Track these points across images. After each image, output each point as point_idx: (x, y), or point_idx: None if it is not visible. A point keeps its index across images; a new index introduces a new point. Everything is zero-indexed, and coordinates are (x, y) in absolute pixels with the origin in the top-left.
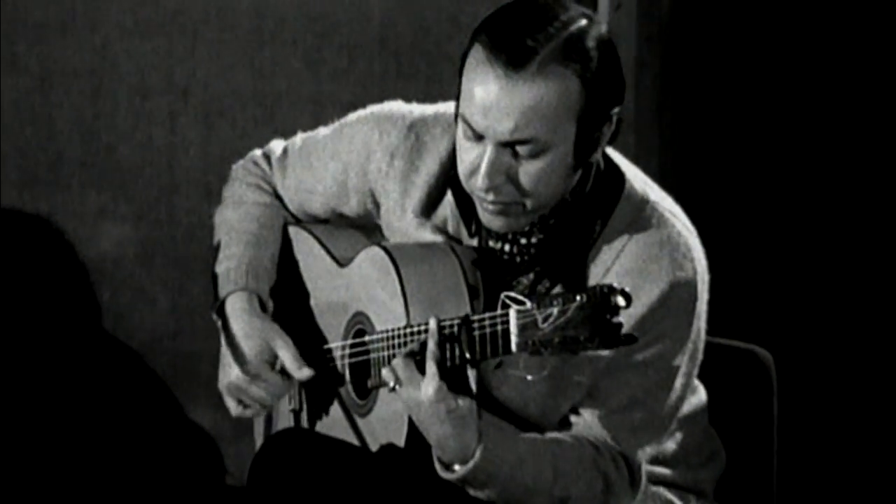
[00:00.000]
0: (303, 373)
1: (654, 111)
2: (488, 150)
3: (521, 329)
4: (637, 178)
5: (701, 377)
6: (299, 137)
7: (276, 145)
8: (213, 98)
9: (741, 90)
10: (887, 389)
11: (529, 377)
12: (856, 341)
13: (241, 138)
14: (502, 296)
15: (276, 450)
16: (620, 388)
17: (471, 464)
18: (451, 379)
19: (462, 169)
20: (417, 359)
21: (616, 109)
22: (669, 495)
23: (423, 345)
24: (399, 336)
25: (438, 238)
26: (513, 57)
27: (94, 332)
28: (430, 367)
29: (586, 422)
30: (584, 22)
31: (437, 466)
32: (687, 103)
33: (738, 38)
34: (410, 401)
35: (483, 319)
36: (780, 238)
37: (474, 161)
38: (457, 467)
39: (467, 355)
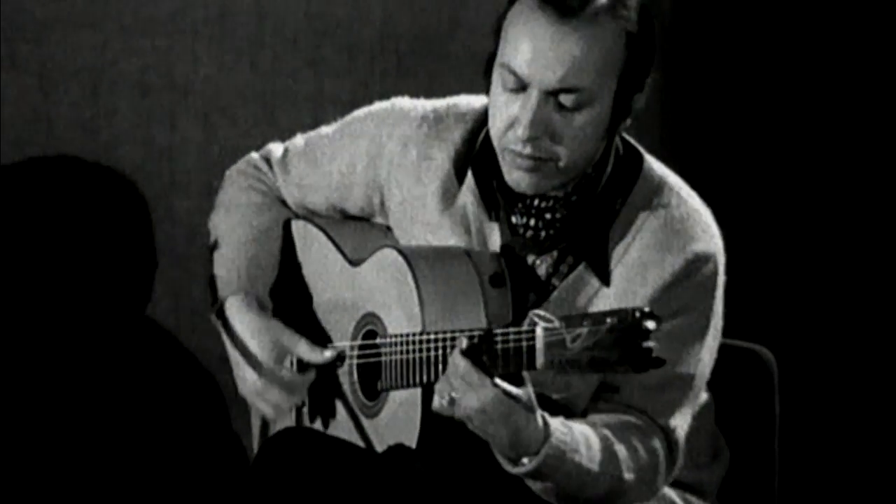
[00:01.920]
0: (324, 355)
1: (655, 111)
2: (533, 99)
3: (548, 347)
4: (654, 162)
5: None
6: (300, 137)
7: (276, 147)
8: (213, 97)
9: (742, 90)
10: (889, 389)
11: (554, 396)
12: (857, 341)
13: (242, 137)
14: (530, 314)
15: (277, 448)
16: None
17: (542, 452)
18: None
19: (499, 122)
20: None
21: (648, 79)
22: (673, 495)
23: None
24: (414, 342)
25: (458, 229)
26: (564, 4)
27: (95, 330)
28: (479, 376)
29: (622, 400)
30: None
31: (504, 463)
32: (688, 103)
33: (739, 37)
34: (470, 412)
35: (508, 334)
36: (782, 237)
37: (514, 113)
38: (525, 460)
39: (488, 359)
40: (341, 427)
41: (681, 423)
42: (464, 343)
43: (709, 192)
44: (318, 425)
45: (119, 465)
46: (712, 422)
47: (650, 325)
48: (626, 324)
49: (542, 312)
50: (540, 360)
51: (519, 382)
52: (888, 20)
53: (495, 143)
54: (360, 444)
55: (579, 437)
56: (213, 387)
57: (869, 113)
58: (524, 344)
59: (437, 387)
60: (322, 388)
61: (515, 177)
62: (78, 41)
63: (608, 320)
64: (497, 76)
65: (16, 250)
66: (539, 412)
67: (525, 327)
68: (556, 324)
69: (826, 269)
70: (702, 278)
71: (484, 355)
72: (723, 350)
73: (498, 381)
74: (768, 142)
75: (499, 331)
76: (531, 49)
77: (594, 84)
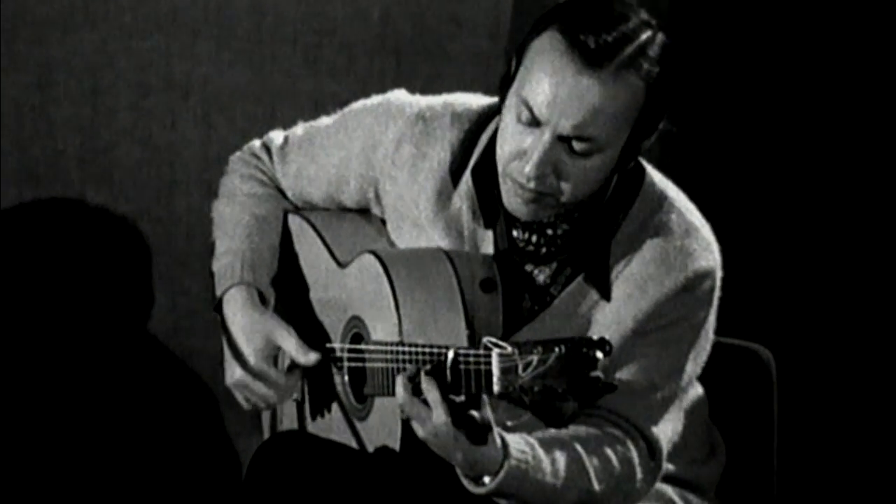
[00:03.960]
0: (309, 358)
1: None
2: (545, 139)
3: (503, 373)
4: (655, 175)
5: (701, 375)
6: (301, 127)
7: (276, 135)
8: (212, 96)
9: (739, 90)
10: (887, 387)
11: (509, 423)
12: (856, 339)
13: (241, 136)
14: (484, 339)
15: (272, 452)
16: (634, 367)
17: (502, 473)
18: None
19: (507, 151)
20: (416, 386)
21: (663, 124)
22: (671, 493)
23: (418, 374)
24: (391, 353)
25: (450, 231)
26: (592, 53)
27: (94, 330)
28: (433, 398)
29: (604, 404)
30: (652, 31)
31: (466, 483)
32: (684, 104)
33: (737, 38)
34: (426, 432)
35: (468, 356)
36: (780, 237)
37: (525, 147)
38: (486, 479)
39: (448, 379)
40: (337, 427)
41: (663, 428)
42: (425, 366)
43: (706, 192)
44: (316, 425)
45: (113, 468)
46: (706, 418)
47: (598, 354)
48: (574, 353)
49: (494, 339)
50: (496, 386)
51: (477, 405)
52: (889, 24)
53: (500, 167)
54: (354, 444)
55: (542, 453)
56: (206, 390)
57: (867, 113)
58: (482, 368)
59: (399, 403)
60: (319, 388)
61: (513, 203)
62: (77, 41)
63: (557, 349)
64: (513, 105)
65: (14, 258)
66: (497, 432)
67: (482, 351)
68: (510, 350)
69: (824, 269)
70: (700, 293)
71: (443, 378)
72: (721, 349)
73: (454, 402)
74: (766, 141)
75: (461, 352)
76: (552, 92)
77: (608, 135)
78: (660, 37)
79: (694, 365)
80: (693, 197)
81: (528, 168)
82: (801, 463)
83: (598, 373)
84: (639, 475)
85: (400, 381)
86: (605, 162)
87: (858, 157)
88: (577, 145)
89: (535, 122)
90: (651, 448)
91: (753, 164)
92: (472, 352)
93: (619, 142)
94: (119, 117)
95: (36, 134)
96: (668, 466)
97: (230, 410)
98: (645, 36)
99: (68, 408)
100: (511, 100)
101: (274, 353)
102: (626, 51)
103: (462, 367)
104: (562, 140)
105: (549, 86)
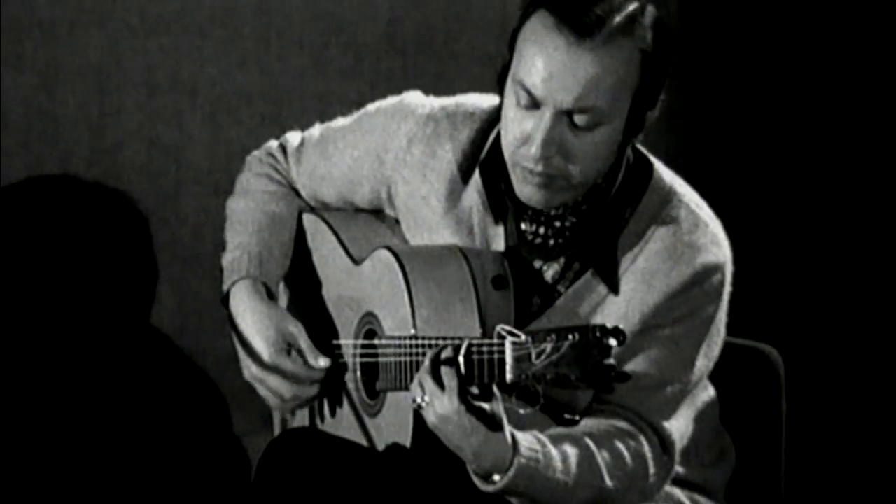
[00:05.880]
0: (320, 362)
1: (661, 109)
2: (546, 118)
3: (516, 361)
4: (664, 170)
5: (710, 375)
6: (317, 128)
7: (293, 136)
8: (219, 97)
9: (747, 91)
10: (895, 387)
11: (521, 411)
12: (864, 339)
13: (248, 137)
14: (498, 328)
15: (282, 449)
16: (644, 362)
17: (512, 471)
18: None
19: (511, 138)
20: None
21: (662, 96)
22: (680, 495)
23: (440, 354)
24: (406, 346)
25: (461, 229)
26: (581, 25)
27: (100, 329)
28: (449, 382)
29: (615, 400)
30: (640, 3)
31: (476, 480)
32: (693, 104)
33: (746, 38)
34: (436, 418)
35: (481, 345)
36: (788, 236)
37: (528, 130)
38: (496, 477)
39: (463, 371)
40: (348, 423)
41: (675, 424)
42: (437, 352)
43: (715, 191)
44: (326, 422)
45: (121, 467)
46: (717, 420)
47: (611, 341)
48: (587, 340)
49: (508, 327)
50: (509, 374)
51: (489, 398)
52: (890, 21)
53: (507, 156)
54: (364, 441)
55: (553, 451)
56: (214, 389)
57: (872, 113)
58: (495, 357)
59: (411, 388)
60: (330, 385)
61: (526, 191)
62: (84, 40)
63: (570, 336)
64: (511, 91)
65: (20, 255)
66: (508, 429)
67: (496, 340)
68: (523, 338)
69: (832, 269)
70: (709, 288)
71: (456, 366)
72: (730, 349)
73: (467, 393)
74: (775, 141)
75: (474, 342)
76: (546, 69)
77: (608, 104)
78: (649, 7)
79: (705, 360)
80: (702, 194)
81: (534, 149)
82: (809, 464)
83: (611, 360)
84: (652, 470)
85: (428, 362)
86: (611, 135)
87: (869, 156)
88: (578, 119)
89: (534, 104)
90: (663, 443)
91: (763, 162)
92: (485, 341)
93: (621, 112)
94: (126, 118)
95: (42, 134)
96: (677, 469)
97: (239, 409)
98: (633, 6)
99: (76, 407)
100: (509, 86)
101: (287, 345)
102: (616, 19)
103: (475, 357)
104: (563, 115)
105: (543, 63)
